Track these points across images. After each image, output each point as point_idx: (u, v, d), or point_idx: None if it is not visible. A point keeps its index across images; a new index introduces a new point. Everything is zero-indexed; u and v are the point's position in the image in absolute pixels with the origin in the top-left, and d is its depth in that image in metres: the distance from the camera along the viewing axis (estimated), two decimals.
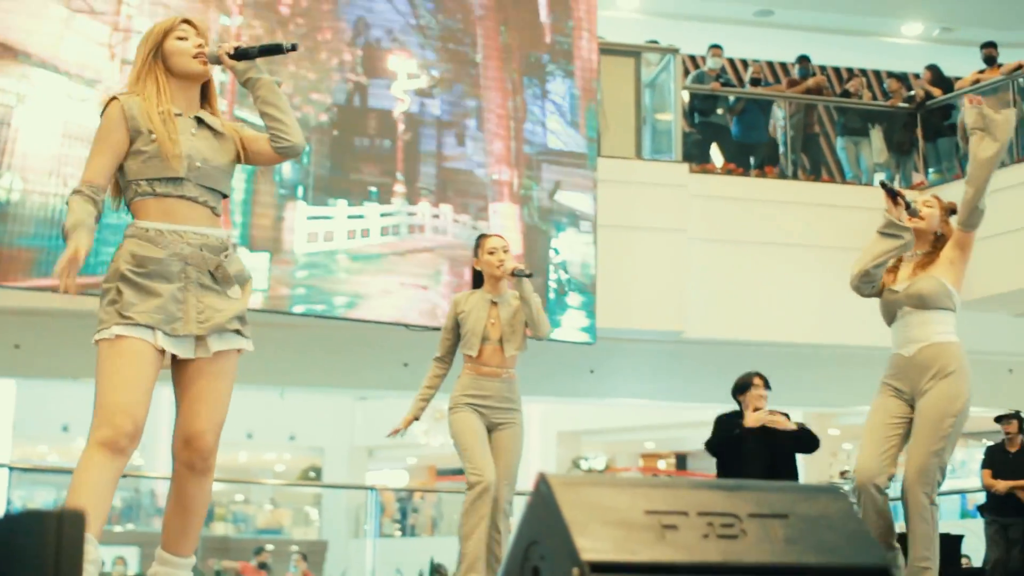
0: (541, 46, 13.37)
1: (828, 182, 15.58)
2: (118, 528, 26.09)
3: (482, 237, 7.23)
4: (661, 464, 29.51)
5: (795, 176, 15.18)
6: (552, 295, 12.90)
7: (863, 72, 18.24)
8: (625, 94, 14.41)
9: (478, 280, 7.21)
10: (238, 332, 4.39)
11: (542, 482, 2.95)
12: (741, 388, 8.64)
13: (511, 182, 12.99)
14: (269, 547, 25.12)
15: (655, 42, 15.19)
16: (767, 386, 8.56)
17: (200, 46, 4.42)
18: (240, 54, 4.40)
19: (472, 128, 12.96)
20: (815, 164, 15.66)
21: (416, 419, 7.38)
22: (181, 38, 4.42)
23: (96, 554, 4.05)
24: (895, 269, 6.19)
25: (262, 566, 17.44)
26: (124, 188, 4.41)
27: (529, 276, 7.00)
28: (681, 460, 29.37)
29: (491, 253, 7.05)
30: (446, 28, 13.02)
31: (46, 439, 28.38)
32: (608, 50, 14.13)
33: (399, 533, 26.77)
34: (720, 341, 14.54)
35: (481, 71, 13.04)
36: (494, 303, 7.05)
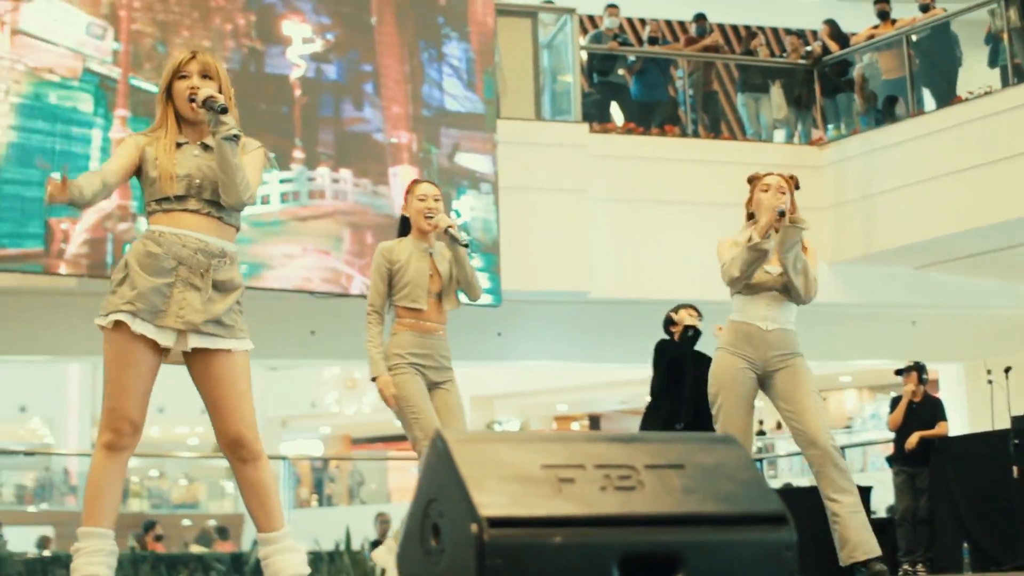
0: (436, 8, 13.31)
1: (728, 139, 15.67)
2: (32, 508, 25.85)
3: (413, 182, 6.84)
4: (575, 426, 29.66)
5: (695, 134, 15.24)
6: None
7: (760, 29, 18.32)
8: (523, 55, 14.38)
9: (404, 228, 6.82)
10: (214, 335, 4.80)
11: (438, 439, 2.94)
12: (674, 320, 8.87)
13: (410, 145, 12.95)
14: (186, 522, 25.00)
15: (551, 2, 15.17)
16: (700, 316, 8.83)
17: (193, 88, 4.84)
18: (205, 105, 4.78)
19: (369, 92, 12.89)
20: (715, 122, 15.73)
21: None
22: (183, 76, 4.89)
23: (113, 545, 4.72)
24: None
25: (158, 539, 17.39)
26: (144, 210, 4.94)
27: (466, 247, 6.60)
28: (594, 421, 29.53)
29: (421, 200, 6.67)
30: None
31: None
32: (504, 11, 14.07)
33: (316, 503, 26.75)
34: (625, 300, 14.60)
35: (376, 35, 12.96)
36: (431, 254, 6.68)
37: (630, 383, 24.19)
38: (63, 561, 12.39)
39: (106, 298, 4.78)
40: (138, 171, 4.89)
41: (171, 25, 11.99)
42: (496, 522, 2.74)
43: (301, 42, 12.57)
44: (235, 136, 4.81)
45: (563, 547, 2.76)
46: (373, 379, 6.53)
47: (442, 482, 2.90)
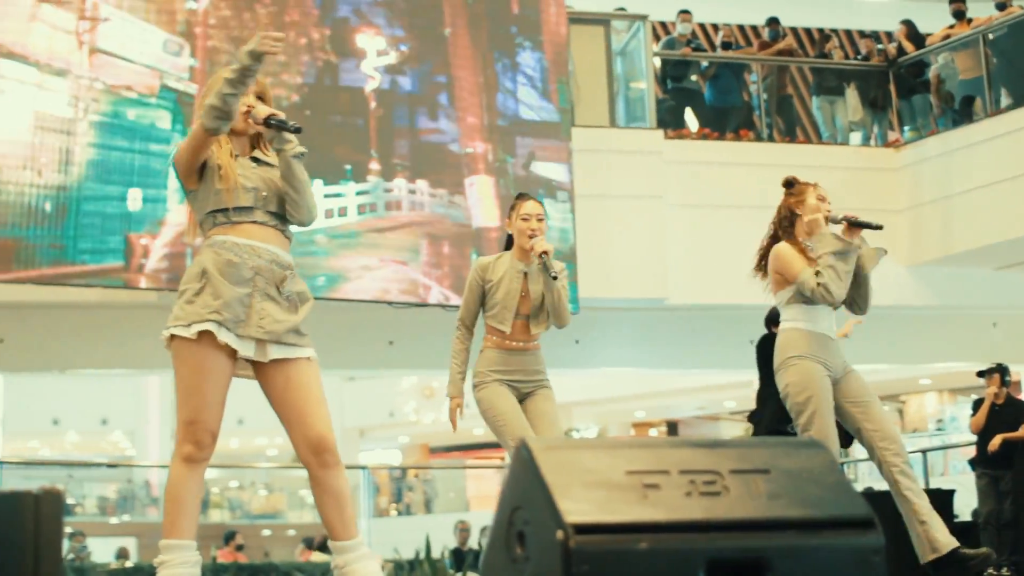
0: (509, 18, 13.34)
1: (804, 143, 15.58)
2: (114, 520, 26.11)
3: (519, 197, 6.68)
4: (653, 432, 29.56)
5: (770, 138, 15.17)
6: None
7: (834, 32, 18.20)
8: (596, 63, 14.38)
9: (508, 243, 6.70)
10: (294, 344, 4.82)
11: (523, 447, 2.94)
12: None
13: (485, 155, 12.97)
14: (266, 532, 25.14)
15: (623, 9, 15.15)
16: None
17: (249, 106, 4.89)
18: (267, 123, 4.84)
19: (444, 102, 12.93)
20: (790, 125, 15.64)
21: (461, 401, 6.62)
22: None
23: (197, 556, 4.74)
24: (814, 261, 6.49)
25: (238, 548, 17.53)
26: (202, 222, 4.90)
27: (555, 279, 6.41)
28: (672, 428, 29.39)
29: (524, 220, 6.51)
30: (413, 3, 12.99)
31: (36, 433, 28.44)
32: (576, 19, 14.09)
33: (395, 512, 26.82)
34: (703, 306, 14.55)
35: (450, 45, 13.01)
36: (525, 274, 6.53)
37: (708, 389, 24.11)
38: (146, 571, 12.50)
39: (179, 307, 4.74)
40: (199, 175, 4.87)
41: (246, 41, 12.06)
42: (582, 529, 2.73)
43: (375, 54, 12.64)
44: (301, 154, 4.83)
45: (649, 553, 2.76)
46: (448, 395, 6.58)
47: (527, 489, 2.90)
